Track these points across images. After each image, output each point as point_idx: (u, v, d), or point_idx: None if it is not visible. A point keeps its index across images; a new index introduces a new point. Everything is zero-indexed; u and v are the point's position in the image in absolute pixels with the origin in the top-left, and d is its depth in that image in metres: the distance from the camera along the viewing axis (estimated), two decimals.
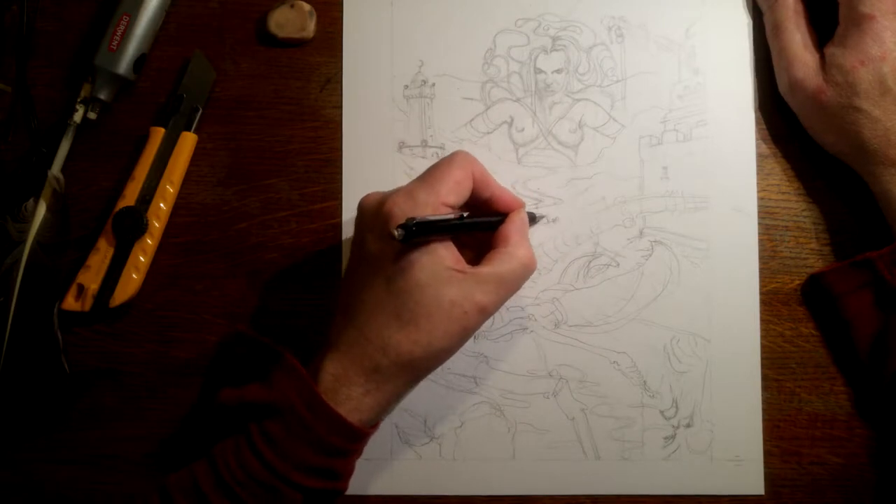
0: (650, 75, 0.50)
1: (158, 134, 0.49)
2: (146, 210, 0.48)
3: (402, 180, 0.49)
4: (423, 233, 0.39)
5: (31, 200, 0.48)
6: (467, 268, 0.41)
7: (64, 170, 0.49)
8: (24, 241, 0.47)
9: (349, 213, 0.49)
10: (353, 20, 0.50)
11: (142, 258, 0.48)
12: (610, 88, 0.49)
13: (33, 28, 0.50)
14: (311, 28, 0.49)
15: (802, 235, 0.49)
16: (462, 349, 0.47)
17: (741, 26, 0.50)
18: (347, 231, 0.49)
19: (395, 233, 0.38)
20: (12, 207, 0.48)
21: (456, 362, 0.48)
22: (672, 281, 0.49)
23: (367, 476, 0.48)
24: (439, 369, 0.48)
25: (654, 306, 0.49)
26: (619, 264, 0.49)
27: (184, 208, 0.50)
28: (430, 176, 0.42)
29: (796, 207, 0.49)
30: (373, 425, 0.42)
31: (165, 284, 0.49)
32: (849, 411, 0.48)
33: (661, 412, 0.48)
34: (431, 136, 0.49)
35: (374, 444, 0.48)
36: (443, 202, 0.41)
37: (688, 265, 0.49)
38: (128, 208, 0.48)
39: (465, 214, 0.41)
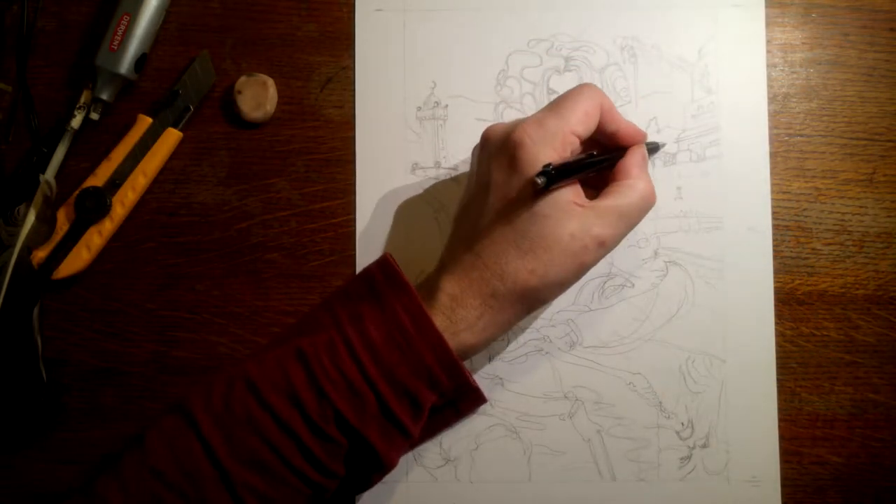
0: (663, 95, 0.49)
1: (144, 123, 0.48)
2: (113, 194, 0.48)
3: (417, 202, 0.49)
4: (564, 176, 0.39)
5: (23, 205, 0.47)
6: (587, 202, 0.41)
7: (63, 168, 0.49)
8: (12, 246, 0.47)
9: (361, 231, 0.49)
10: (365, 42, 0.50)
11: (97, 238, 0.48)
12: (623, 108, 0.49)
13: (33, 28, 0.50)
14: (268, 110, 0.49)
15: (803, 235, 0.49)
16: (477, 371, 0.48)
17: (754, 45, 0.50)
18: (361, 254, 0.49)
19: (538, 180, 0.38)
20: (6, 210, 0.47)
21: None
22: (687, 301, 0.49)
23: (382, 499, 0.48)
24: None
25: (668, 327, 0.48)
26: (633, 285, 0.49)
27: (184, 208, 0.49)
28: (559, 106, 0.41)
29: (796, 207, 0.49)
30: (466, 358, 0.42)
31: (165, 284, 0.49)
32: (849, 411, 0.48)
33: (677, 433, 0.48)
34: (445, 157, 0.49)
35: None
36: (572, 131, 0.41)
37: (702, 285, 0.49)
38: (94, 188, 0.48)
39: (595, 153, 0.41)
